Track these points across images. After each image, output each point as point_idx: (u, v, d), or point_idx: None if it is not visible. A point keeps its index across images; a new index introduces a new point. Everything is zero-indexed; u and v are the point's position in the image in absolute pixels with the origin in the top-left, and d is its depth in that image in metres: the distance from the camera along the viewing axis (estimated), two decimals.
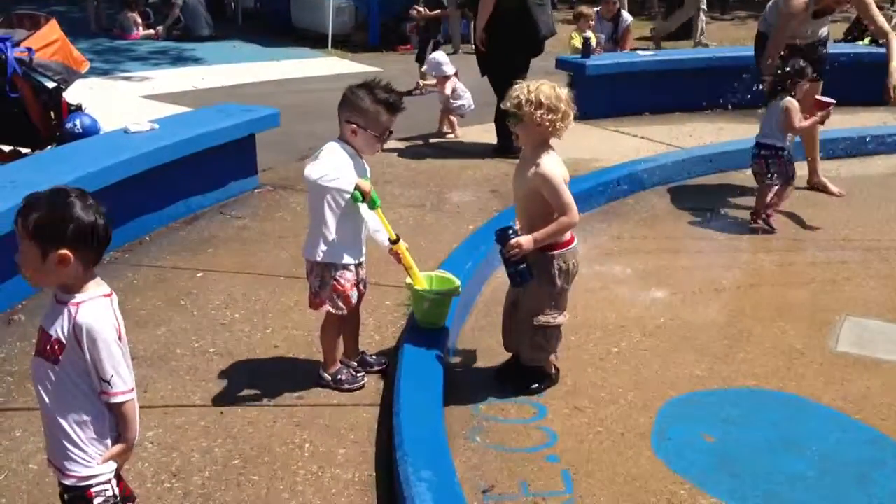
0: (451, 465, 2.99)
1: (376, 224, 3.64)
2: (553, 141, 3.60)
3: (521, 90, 3.47)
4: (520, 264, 3.52)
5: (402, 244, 3.67)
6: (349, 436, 3.39)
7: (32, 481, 3.07)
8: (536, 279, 3.57)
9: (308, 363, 3.90)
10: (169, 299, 4.54)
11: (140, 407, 3.47)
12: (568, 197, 3.46)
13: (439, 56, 8.23)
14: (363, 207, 3.51)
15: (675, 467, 3.24)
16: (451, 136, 8.00)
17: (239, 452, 3.27)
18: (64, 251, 2.14)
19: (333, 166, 3.39)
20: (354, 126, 3.45)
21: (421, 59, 10.00)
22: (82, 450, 2.26)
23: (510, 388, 3.75)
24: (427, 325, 3.88)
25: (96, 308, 2.19)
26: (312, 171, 3.35)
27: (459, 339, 4.19)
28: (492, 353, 4.05)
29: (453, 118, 8.09)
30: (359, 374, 3.77)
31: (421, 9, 10.13)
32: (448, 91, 7.93)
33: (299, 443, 3.34)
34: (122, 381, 2.21)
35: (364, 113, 3.44)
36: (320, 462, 3.23)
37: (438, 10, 10.08)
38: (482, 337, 4.23)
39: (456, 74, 7.97)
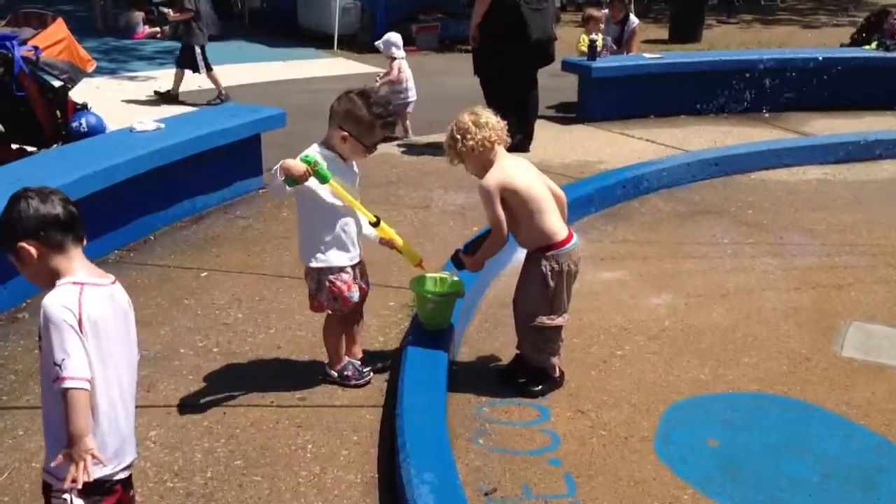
0: (453, 467, 2.99)
1: (365, 223, 3.60)
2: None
3: (446, 138, 3.62)
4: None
5: (384, 225, 3.62)
6: (352, 437, 3.39)
7: (35, 480, 3.07)
8: (530, 280, 3.62)
9: (311, 364, 3.90)
10: (173, 299, 4.54)
11: (143, 406, 3.49)
12: (497, 212, 3.50)
13: (394, 36, 8.06)
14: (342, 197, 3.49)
15: (678, 471, 3.24)
16: (405, 138, 7.80)
17: (241, 453, 3.27)
18: (22, 244, 2.18)
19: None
20: (346, 134, 3.43)
21: (181, 63, 9.60)
22: (50, 449, 2.25)
23: (513, 389, 3.75)
24: (431, 327, 3.87)
25: (56, 293, 2.16)
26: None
27: (463, 341, 4.18)
28: (495, 354, 4.05)
29: (406, 121, 7.93)
30: (364, 370, 3.77)
31: (168, 10, 9.90)
32: (394, 74, 7.83)
33: (302, 444, 3.34)
34: (75, 368, 2.10)
35: (358, 122, 3.42)
36: (323, 463, 3.22)
37: (180, 14, 9.70)
38: (486, 339, 4.22)
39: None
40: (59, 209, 2.21)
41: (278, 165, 3.29)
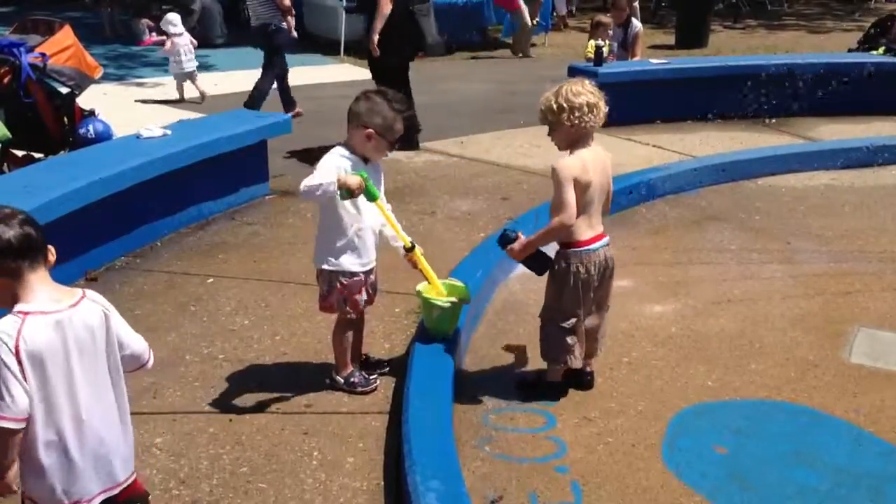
0: (459, 474, 2.98)
1: (392, 233, 3.64)
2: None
3: (546, 99, 3.50)
4: (527, 262, 3.65)
5: (419, 250, 3.66)
6: (358, 444, 3.38)
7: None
8: (549, 274, 3.61)
9: (317, 370, 3.89)
10: (179, 305, 4.54)
11: (148, 413, 3.51)
12: (567, 196, 3.42)
13: (169, 15, 9.91)
14: (370, 207, 3.50)
15: (685, 479, 3.22)
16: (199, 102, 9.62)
17: (247, 460, 3.26)
18: None
19: (321, 174, 3.36)
20: (371, 131, 3.45)
21: None
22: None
23: (519, 395, 3.74)
24: (437, 333, 3.86)
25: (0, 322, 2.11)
26: (302, 182, 3.33)
27: (469, 348, 4.17)
28: (501, 361, 4.04)
29: (195, 84, 9.81)
30: (371, 377, 3.77)
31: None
32: (167, 47, 9.63)
33: (307, 450, 3.33)
34: (6, 406, 2.06)
35: (383, 119, 3.46)
36: (328, 470, 3.22)
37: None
38: (492, 345, 4.21)
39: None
40: (10, 234, 2.11)
41: (333, 179, 3.27)
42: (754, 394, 3.85)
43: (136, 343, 2.37)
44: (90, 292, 2.28)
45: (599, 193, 3.58)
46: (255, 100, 8.80)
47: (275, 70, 9.08)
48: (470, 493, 2.89)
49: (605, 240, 3.62)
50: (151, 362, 2.43)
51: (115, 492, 2.32)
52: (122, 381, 2.33)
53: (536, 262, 3.65)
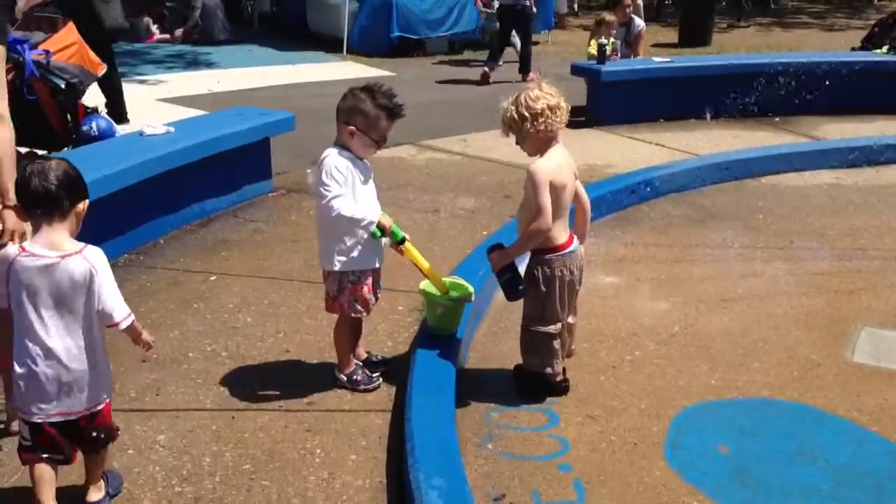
0: (462, 472, 2.98)
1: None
2: (565, 147, 3.59)
3: (506, 110, 3.51)
4: (502, 276, 3.63)
5: (410, 247, 3.65)
6: (360, 442, 3.38)
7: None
8: (525, 283, 3.60)
9: (319, 368, 3.89)
10: (182, 302, 4.55)
11: (151, 410, 3.51)
12: (544, 199, 3.41)
13: None
14: (371, 202, 3.52)
15: (688, 478, 3.22)
16: None
17: (250, 457, 3.26)
18: None
19: (343, 188, 3.39)
20: (353, 128, 3.44)
21: None
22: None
23: (516, 390, 3.75)
24: (440, 331, 3.86)
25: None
26: (342, 207, 3.35)
27: (472, 346, 4.17)
28: (504, 359, 4.03)
29: None
30: (374, 375, 3.77)
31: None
32: None
33: (310, 448, 3.33)
34: None
35: (365, 116, 3.43)
36: (331, 468, 3.22)
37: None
38: (495, 343, 4.21)
39: None
40: (32, 185, 2.57)
41: (375, 218, 3.44)
42: (757, 392, 3.85)
43: (109, 302, 2.68)
44: (89, 250, 2.66)
45: (570, 195, 3.60)
46: (528, 63, 10.85)
47: (530, 37, 11.15)
48: (473, 491, 2.89)
49: (577, 239, 3.66)
50: (125, 325, 2.72)
51: (74, 417, 2.70)
52: (97, 330, 2.70)
53: (512, 281, 3.62)
